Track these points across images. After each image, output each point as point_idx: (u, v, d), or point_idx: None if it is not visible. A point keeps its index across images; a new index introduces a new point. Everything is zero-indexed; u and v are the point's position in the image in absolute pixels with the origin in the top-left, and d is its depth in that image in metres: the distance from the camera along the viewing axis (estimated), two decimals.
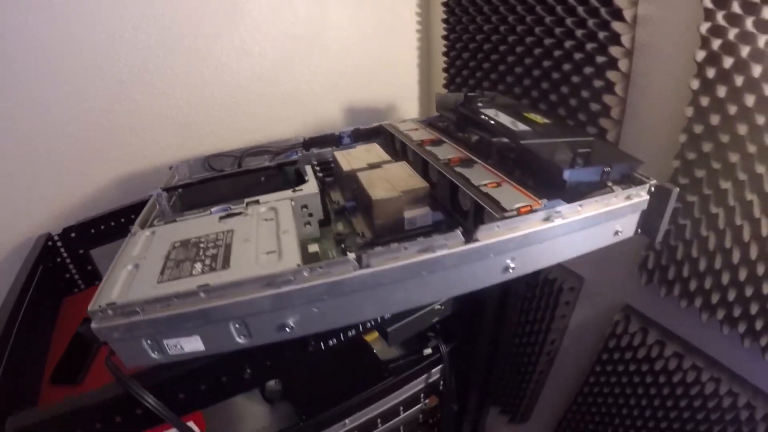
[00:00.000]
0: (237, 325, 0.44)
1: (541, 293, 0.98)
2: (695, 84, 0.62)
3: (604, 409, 0.93)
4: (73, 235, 0.84)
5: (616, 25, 0.70)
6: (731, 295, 0.67)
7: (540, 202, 0.52)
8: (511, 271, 0.50)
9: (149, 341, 0.43)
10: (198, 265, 0.45)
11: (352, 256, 0.43)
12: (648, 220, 0.58)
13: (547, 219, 0.50)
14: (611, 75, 0.72)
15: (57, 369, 0.66)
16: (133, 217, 0.85)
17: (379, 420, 0.75)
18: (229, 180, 0.67)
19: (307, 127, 1.04)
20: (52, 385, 0.64)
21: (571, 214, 0.50)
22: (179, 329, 0.43)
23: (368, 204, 0.55)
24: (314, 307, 0.44)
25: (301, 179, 0.67)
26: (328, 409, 0.67)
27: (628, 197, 0.55)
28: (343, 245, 0.57)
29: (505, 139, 0.64)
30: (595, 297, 0.92)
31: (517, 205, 0.50)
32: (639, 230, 0.60)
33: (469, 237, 0.46)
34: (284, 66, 0.97)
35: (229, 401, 0.74)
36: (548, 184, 0.55)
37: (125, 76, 0.84)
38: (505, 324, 0.76)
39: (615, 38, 0.70)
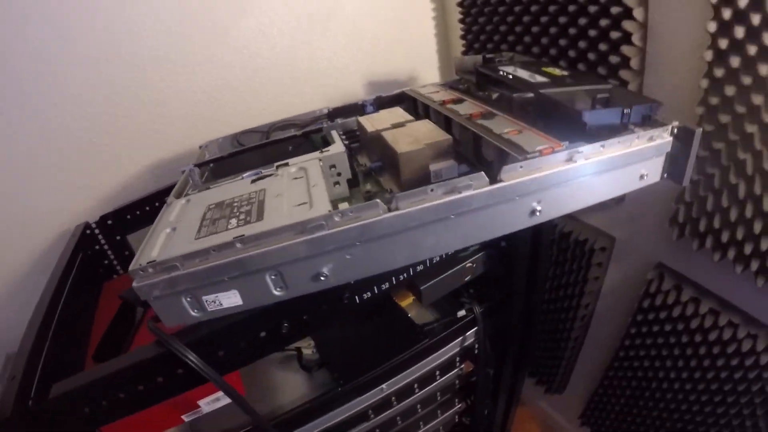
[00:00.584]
0: (273, 276, 0.45)
1: (573, 256, 0.96)
2: (712, 27, 0.61)
3: (640, 373, 0.92)
4: (109, 222, 0.88)
5: None
6: (765, 245, 0.64)
7: (561, 144, 0.51)
8: (538, 214, 0.50)
9: (188, 298, 0.45)
10: (233, 221, 0.46)
11: (380, 200, 0.43)
12: (674, 163, 0.57)
13: (569, 159, 0.50)
14: (628, 25, 0.71)
15: (99, 347, 0.68)
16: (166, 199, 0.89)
17: (416, 385, 0.75)
18: (258, 152, 0.68)
19: (332, 102, 1.05)
20: (95, 362, 0.66)
21: (593, 154, 0.50)
22: (218, 283, 0.44)
23: (394, 159, 0.56)
24: (347, 254, 0.45)
25: (327, 146, 0.68)
26: (364, 374, 0.68)
27: (651, 138, 0.54)
28: None
29: (527, 93, 0.63)
30: (628, 257, 0.90)
31: (539, 147, 0.50)
32: (666, 175, 0.59)
33: (493, 179, 0.46)
34: (302, 44, 0.99)
35: (267, 370, 0.76)
36: (569, 129, 0.54)
37: (149, 66, 0.87)
38: (537, 283, 0.75)
39: None
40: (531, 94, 0.63)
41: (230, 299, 0.45)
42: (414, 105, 0.80)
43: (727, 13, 0.58)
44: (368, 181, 0.63)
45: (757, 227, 0.65)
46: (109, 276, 0.90)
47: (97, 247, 0.88)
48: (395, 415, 0.76)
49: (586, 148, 0.50)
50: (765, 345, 0.69)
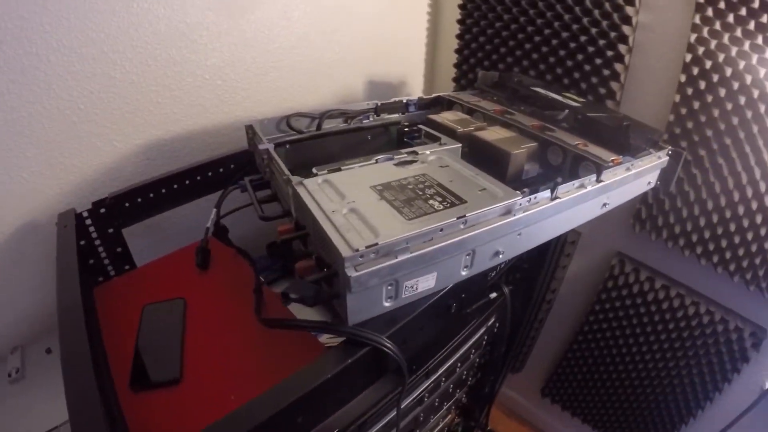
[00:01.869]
0: (467, 256, 0.46)
1: (545, 246, 1.12)
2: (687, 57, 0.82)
3: (602, 343, 1.12)
4: (103, 210, 0.71)
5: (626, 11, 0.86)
6: (707, 234, 0.88)
7: (620, 157, 0.66)
8: (606, 206, 0.66)
9: (390, 286, 0.43)
10: (434, 203, 0.46)
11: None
12: (664, 175, 0.76)
13: (627, 169, 0.65)
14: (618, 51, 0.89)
15: (136, 372, 0.54)
16: (176, 187, 0.77)
17: (458, 365, 0.80)
18: (338, 137, 0.65)
19: (337, 96, 1.05)
20: (136, 392, 0.52)
21: (638, 166, 0.67)
22: (430, 266, 0.44)
23: (501, 158, 0.62)
24: (519, 232, 0.49)
25: (401, 139, 0.69)
26: (427, 361, 0.70)
27: (659, 157, 0.72)
28: None
29: (562, 111, 0.78)
30: (592, 248, 1.09)
31: (612, 158, 0.65)
32: (657, 182, 0.78)
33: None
34: (320, 33, 0.96)
35: None
36: (612, 145, 0.69)
37: (162, 27, 0.75)
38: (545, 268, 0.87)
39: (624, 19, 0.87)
40: (566, 111, 0.77)
41: (427, 282, 0.45)
42: (449, 106, 0.85)
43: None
44: None
45: (702, 221, 0.89)
46: (96, 279, 0.73)
47: (83, 242, 0.71)
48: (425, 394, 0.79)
49: (636, 162, 0.66)
50: (705, 308, 0.92)
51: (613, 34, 0.89)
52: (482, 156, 0.65)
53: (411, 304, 0.46)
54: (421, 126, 0.69)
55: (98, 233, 0.72)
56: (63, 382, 0.42)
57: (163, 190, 0.76)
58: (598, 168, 0.62)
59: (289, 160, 0.65)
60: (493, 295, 0.83)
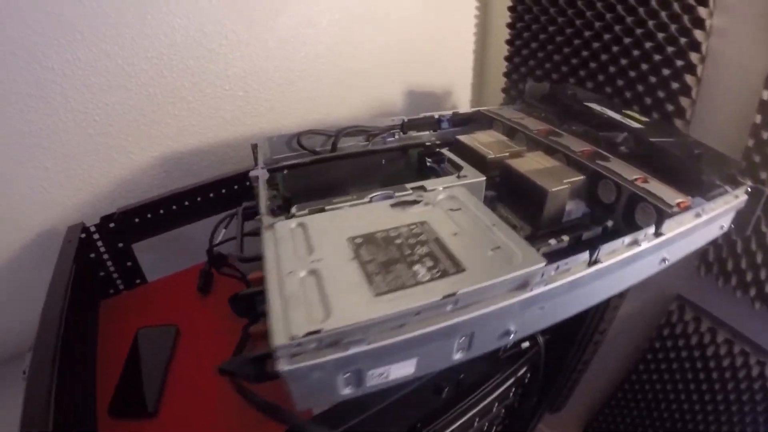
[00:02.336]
0: (462, 339, 0.37)
1: None
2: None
3: (650, 395, 0.97)
4: (112, 225, 0.70)
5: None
6: None
7: (687, 199, 0.53)
8: (665, 262, 0.53)
9: (348, 374, 0.34)
10: (419, 268, 0.37)
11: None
12: (739, 216, 0.62)
13: (697, 215, 0.52)
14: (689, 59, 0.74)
15: (116, 398, 0.54)
16: (187, 203, 0.74)
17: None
18: (346, 162, 0.58)
19: (370, 108, 0.97)
20: (112, 418, 0.52)
21: (709, 210, 0.53)
22: (403, 354, 0.35)
23: (537, 195, 0.51)
24: (541, 306, 0.39)
25: (423, 163, 0.60)
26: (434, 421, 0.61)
27: (736, 196, 0.58)
28: None
29: (621, 133, 0.65)
30: (647, 288, 0.95)
31: (677, 201, 0.51)
32: (732, 226, 0.63)
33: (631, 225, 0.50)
34: (349, 41, 0.89)
35: None
36: (680, 181, 0.56)
37: (179, 37, 0.71)
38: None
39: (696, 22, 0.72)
40: (624, 134, 0.65)
41: (403, 369, 0.36)
42: (489, 125, 0.75)
43: None
44: None
45: None
46: (105, 292, 0.72)
47: (92, 255, 0.70)
48: None
49: (707, 206, 0.53)
50: None
51: (683, 40, 0.74)
52: (515, 190, 0.55)
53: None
54: (443, 151, 0.60)
55: (107, 247, 0.71)
56: None
57: (174, 207, 0.73)
58: (660, 214, 0.50)
59: (289, 187, 0.59)
60: (525, 345, 0.73)
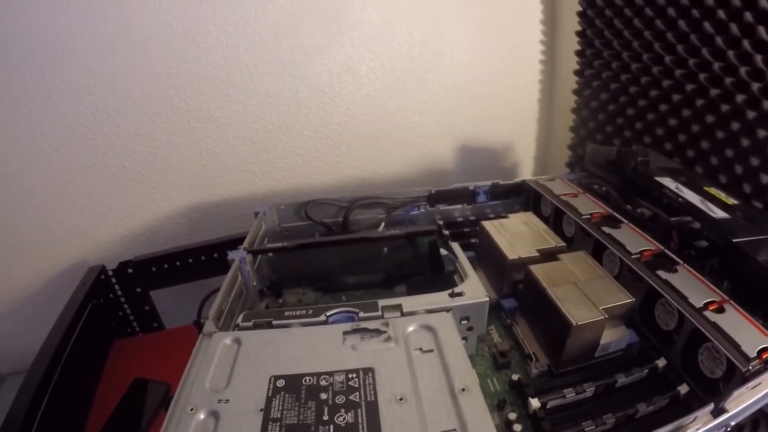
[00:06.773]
0: None
1: None
2: None
3: None
4: (130, 270, 0.67)
5: None
6: None
7: None
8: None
9: None
10: None
11: None
12: None
13: None
14: None
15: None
16: (203, 258, 0.69)
17: None
18: (337, 248, 0.48)
19: (414, 170, 0.85)
20: None
21: None
22: None
23: (559, 325, 0.36)
24: None
25: (435, 254, 0.47)
26: None
27: None
28: (509, 375, 0.38)
29: (688, 219, 0.48)
30: None
31: (760, 347, 0.32)
32: None
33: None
34: (394, 92, 0.78)
35: None
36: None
37: (205, 87, 0.67)
38: None
39: None
40: (697, 225, 0.47)
41: None
42: (537, 200, 0.60)
43: None
44: (492, 323, 0.44)
45: None
46: (121, 332, 0.71)
47: (111, 295, 0.68)
48: None
49: None
50: None
51: None
52: (539, 306, 0.40)
53: None
54: (452, 244, 0.46)
55: (123, 291, 0.69)
56: None
57: (190, 260, 0.69)
58: (729, 373, 0.32)
59: (276, 270, 0.51)
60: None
